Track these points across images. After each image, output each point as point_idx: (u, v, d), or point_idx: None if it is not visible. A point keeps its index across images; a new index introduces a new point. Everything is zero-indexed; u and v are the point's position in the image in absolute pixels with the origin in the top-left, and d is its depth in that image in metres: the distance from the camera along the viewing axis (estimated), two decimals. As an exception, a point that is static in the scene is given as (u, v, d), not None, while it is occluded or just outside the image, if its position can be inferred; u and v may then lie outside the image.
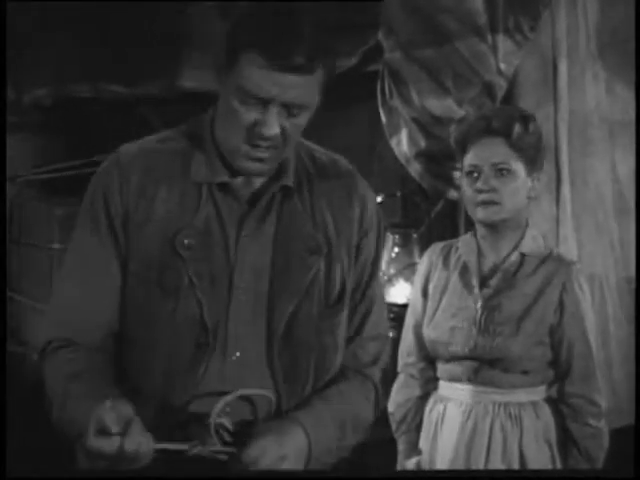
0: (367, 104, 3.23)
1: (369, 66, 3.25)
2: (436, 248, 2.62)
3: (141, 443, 1.50)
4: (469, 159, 2.44)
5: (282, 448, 1.62)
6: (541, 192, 2.71)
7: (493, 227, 2.46)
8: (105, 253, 1.72)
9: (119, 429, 1.48)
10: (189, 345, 1.69)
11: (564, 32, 2.91)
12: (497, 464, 2.42)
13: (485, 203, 2.41)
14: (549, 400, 2.48)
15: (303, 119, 1.67)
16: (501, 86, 2.89)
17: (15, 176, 5.19)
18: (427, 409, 2.57)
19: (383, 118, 3.13)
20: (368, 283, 1.83)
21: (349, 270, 1.78)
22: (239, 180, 1.73)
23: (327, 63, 1.65)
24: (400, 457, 2.65)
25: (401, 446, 2.65)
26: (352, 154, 3.65)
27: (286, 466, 1.61)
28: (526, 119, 2.42)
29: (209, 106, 1.78)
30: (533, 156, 2.42)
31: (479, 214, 2.43)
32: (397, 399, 2.64)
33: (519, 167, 2.41)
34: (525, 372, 2.43)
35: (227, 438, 1.66)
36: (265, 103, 1.62)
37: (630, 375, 2.88)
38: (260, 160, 1.68)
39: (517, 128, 2.39)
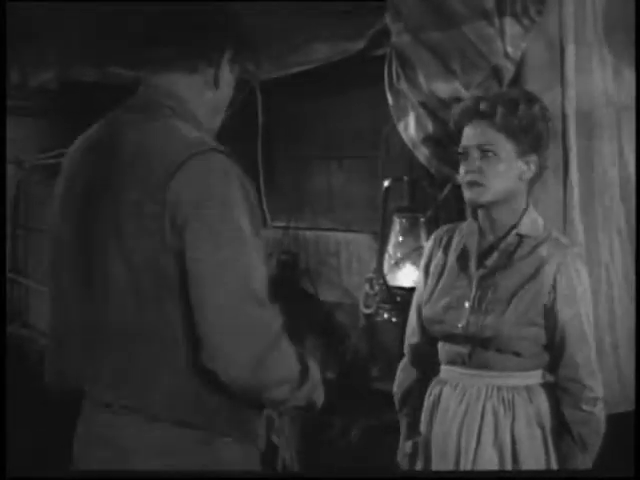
0: (374, 88, 3.22)
1: (376, 50, 3.24)
2: (441, 230, 2.66)
3: None
4: (462, 141, 2.47)
5: None
6: (548, 175, 2.71)
7: (486, 208, 2.47)
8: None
9: None
10: None
11: (571, 15, 2.89)
12: (488, 448, 2.42)
13: (470, 184, 2.43)
14: (546, 385, 2.48)
15: None
16: (508, 69, 2.87)
17: (21, 161, 5.19)
18: (428, 392, 2.59)
19: (390, 102, 3.13)
20: None
21: None
22: None
23: None
24: (401, 438, 2.69)
25: (402, 428, 2.69)
26: (359, 138, 3.67)
27: None
28: (514, 101, 2.43)
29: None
30: (524, 139, 2.42)
31: (466, 195, 2.46)
32: (399, 379, 2.70)
33: (507, 149, 2.41)
34: (518, 354, 2.43)
35: None
36: None
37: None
38: None
39: (500, 110, 2.40)
